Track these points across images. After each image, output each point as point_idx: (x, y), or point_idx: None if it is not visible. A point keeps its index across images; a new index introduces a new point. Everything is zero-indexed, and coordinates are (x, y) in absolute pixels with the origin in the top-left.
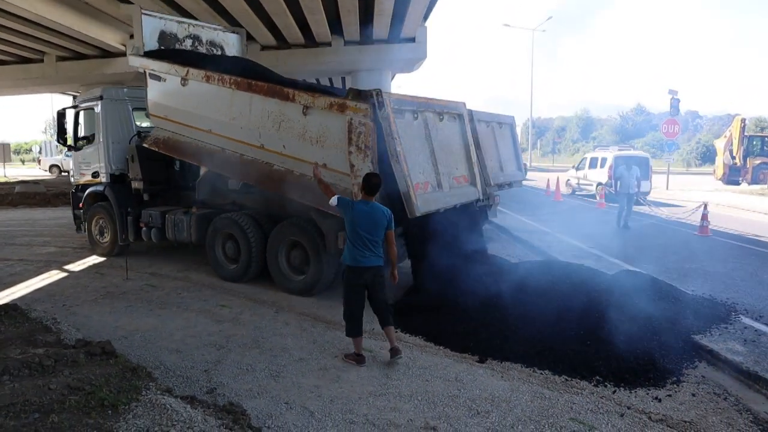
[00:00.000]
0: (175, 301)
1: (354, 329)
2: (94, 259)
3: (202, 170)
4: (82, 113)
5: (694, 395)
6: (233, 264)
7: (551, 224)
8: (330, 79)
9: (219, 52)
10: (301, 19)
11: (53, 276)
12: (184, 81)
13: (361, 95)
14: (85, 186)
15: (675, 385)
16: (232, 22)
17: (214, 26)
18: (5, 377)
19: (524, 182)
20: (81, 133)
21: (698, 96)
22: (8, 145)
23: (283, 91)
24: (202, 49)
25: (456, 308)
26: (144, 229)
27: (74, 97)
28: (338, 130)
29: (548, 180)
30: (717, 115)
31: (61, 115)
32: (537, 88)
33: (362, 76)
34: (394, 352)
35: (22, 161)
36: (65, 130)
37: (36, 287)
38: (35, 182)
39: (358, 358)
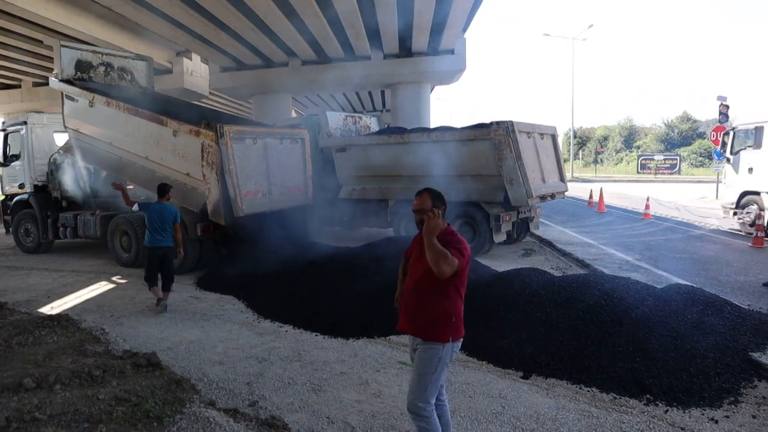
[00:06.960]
0: (217, 313)
1: (153, 283)
2: (141, 271)
3: (103, 173)
4: (10, 135)
5: (754, 417)
6: (127, 253)
7: (596, 236)
8: (369, 93)
9: (129, 77)
10: (341, 33)
11: (102, 287)
12: (92, 103)
13: (209, 125)
14: (13, 196)
15: (732, 406)
16: (273, 39)
17: (124, 54)
18: (57, 386)
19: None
20: (9, 151)
21: (748, 102)
22: None
23: (159, 118)
24: (114, 74)
25: (499, 322)
26: (61, 229)
27: (3, 122)
28: (196, 149)
29: (590, 191)
30: None
31: None
32: (579, 97)
33: (401, 89)
34: (161, 303)
35: None
36: None
37: (86, 298)
38: None
39: (158, 300)
